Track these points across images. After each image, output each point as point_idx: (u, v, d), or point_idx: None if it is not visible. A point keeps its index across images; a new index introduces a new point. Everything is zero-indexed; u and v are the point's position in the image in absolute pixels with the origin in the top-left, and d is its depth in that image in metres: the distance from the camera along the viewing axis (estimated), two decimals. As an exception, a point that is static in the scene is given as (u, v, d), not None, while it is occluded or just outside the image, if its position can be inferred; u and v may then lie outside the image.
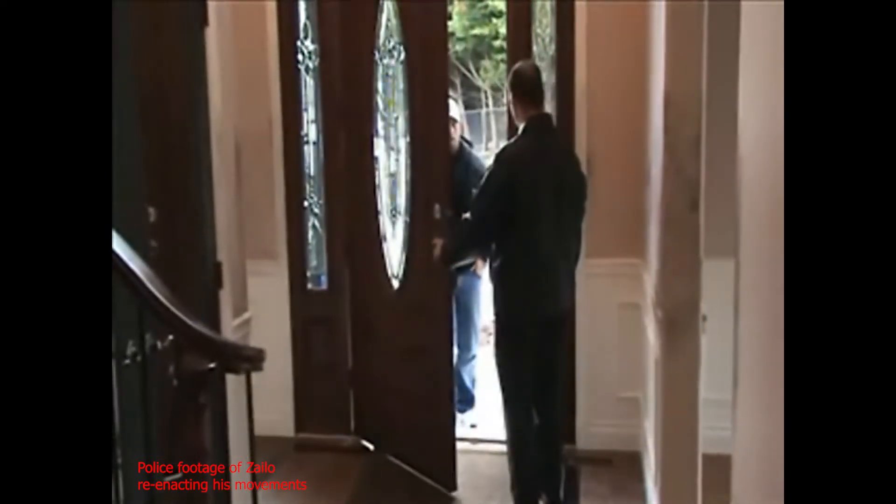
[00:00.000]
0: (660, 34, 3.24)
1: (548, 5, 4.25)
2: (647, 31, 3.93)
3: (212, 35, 2.95)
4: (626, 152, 4.08)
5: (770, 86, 1.36)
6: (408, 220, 4.16)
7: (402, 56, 4.09)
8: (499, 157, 3.52)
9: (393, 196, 4.30)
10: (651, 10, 3.78)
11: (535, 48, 4.26)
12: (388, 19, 4.17)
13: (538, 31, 4.26)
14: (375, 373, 4.43)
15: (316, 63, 4.47)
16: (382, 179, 4.32)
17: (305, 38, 4.46)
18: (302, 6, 4.45)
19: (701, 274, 2.85)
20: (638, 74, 4.02)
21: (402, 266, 4.22)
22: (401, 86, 4.15)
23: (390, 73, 4.21)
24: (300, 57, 4.45)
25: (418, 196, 4.06)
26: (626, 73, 4.09)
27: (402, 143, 4.18)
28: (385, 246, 4.30)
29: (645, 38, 3.97)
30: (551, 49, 4.25)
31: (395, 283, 4.26)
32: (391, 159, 4.27)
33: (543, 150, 3.52)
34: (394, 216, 4.31)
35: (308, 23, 4.46)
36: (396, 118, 4.23)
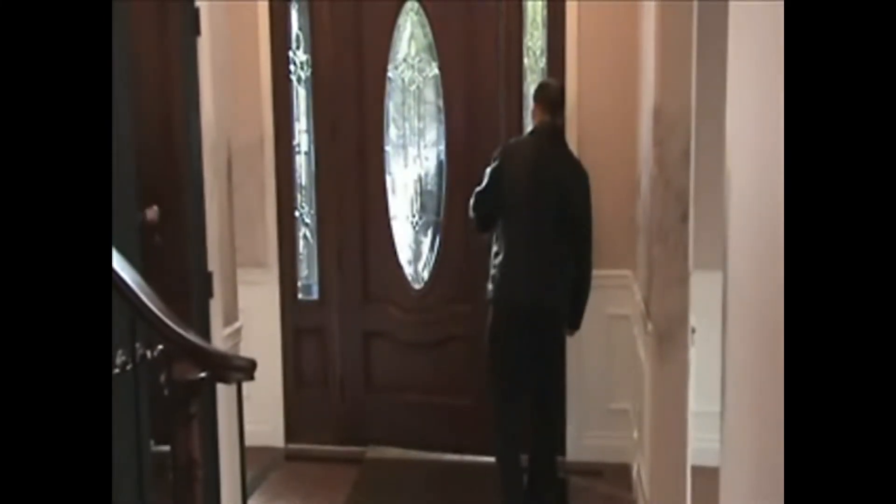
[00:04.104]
0: (650, 48, 3.26)
1: (538, 18, 4.28)
2: (637, 43, 3.96)
3: (204, 45, 2.96)
4: (617, 164, 4.10)
5: (758, 98, 1.38)
6: (439, 222, 4.45)
7: (434, 70, 4.36)
8: (501, 147, 3.80)
9: (412, 202, 4.51)
10: (642, 21, 3.81)
11: (525, 61, 4.28)
12: (412, 36, 4.39)
13: (529, 43, 4.29)
14: (391, 372, 4.55)
15: (308, 73, 4.49)
16: (397, 187, 4.51)
17: (297, 48, 4.48)
18: (294, 17, 4.47)
19: (690, 286, 2.86)
20: (628, 87, 4.04)
21: (430, 266, 4.48)
22: (430, 98, 4.41)
23: (414, 85, 4.43)
24: (292, 67, 4.46)
25: (455, 201, 4.26)
26: (616, 86, 4.11)
27: (432, 153, 4.46)
28: (399, 250, 4.49)
29: (635, 51, 3.99)
30: (542, 62, 4.27)
31: (419, 285, 4.49)
32: (412, 168, 4.50)
33: (541, 151, 3.66)
34: (417, 222, 4.50)
35: (300, 33, 4.48)
36: (422, 129, 4.44)
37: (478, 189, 3.70)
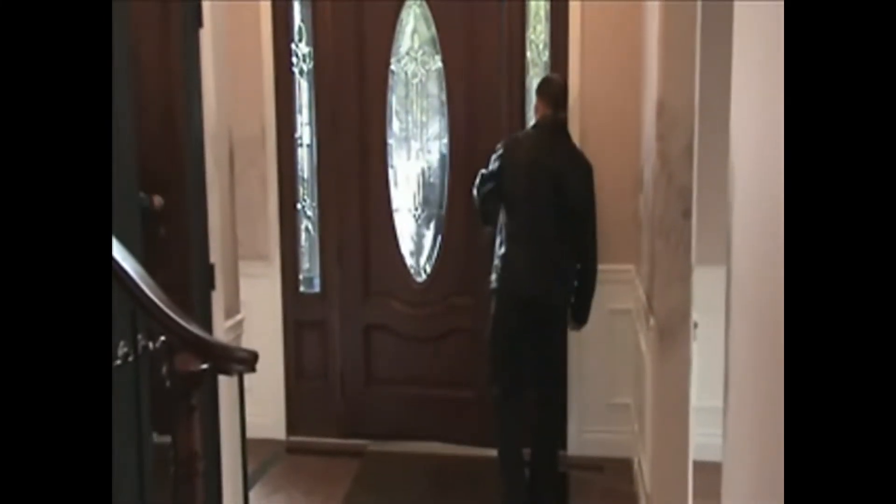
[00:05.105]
0: (653, 42, 3.25)
1: (542, 12, 4.27)
2: (641, 37, 3.95)
3: (206, 37, 2.95)
4: (620, 159, 4.10)
5: (762, 93, 1.37)
6: (442, 215, 4.45)
7: (437, 63, 4.37)
8: (504, 140, 3.85)
9: (414, 195, 4.53)
10: (645, 16, 3.79)
11: (528, 54, 4.28)
12: (415, 29, 4.40)
13: (532, 36, 4.28)
14: (393, 365, 4.56)
15: (310, 66, 4.48)
16: (400, 180, 4.52)
17: (300, 40, 4.47)
18: (297, 9, 4.46)
19: (692, 281, 2.86)
20: (631, 81, 4.04)
21: (432, 259, 4.50)
22: (432, 91, 4.42)
23: (417, 79, 4.44)
24: (294, 59, 4.46)
25: (457, 194, 4.32)
26: (619, 80, 4.11)
27: (435, 146, 4.47)
28: (401, 243, 4.51)
29: (639, 45, 3.98)
30: (545, 55, 4.27)
31: (420, 278, 4.51)
32: (415, 161, 4.51)
33: (542, 144, 3.68)
34: (420, 215, 4.53)
35: (302, 25, 4.47)
36: (425, 122, 4.45)
37: (483, 171, 3.75)
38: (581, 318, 3.77)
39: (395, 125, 4.48)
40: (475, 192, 3.80)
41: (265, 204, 4.48)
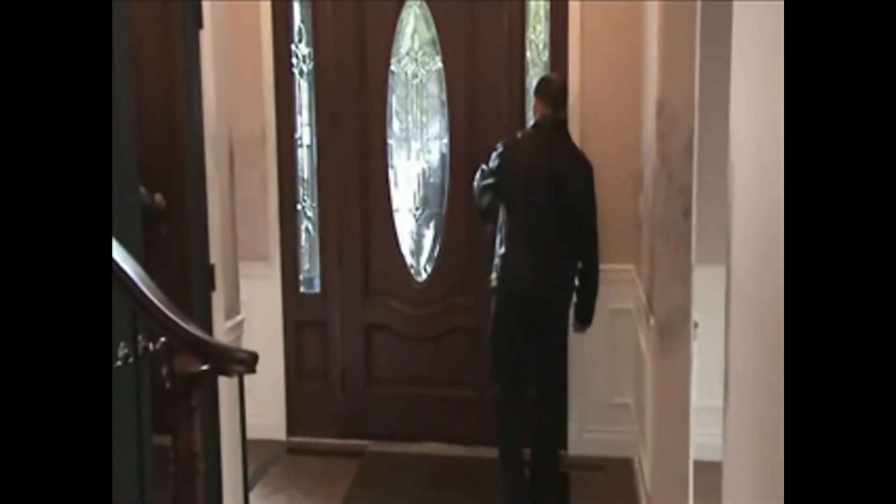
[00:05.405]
0: (653, 42, 3.25)
1: (542, 12, 4.27)
2: (641, 37, 3.95)
3: (206, 37, 2.95)
4: (620, 159, 4.10)
5: (762, 92, 1.37)
6: (442, 215, 4.48)
7: (437, 63, 4.38)
8: (504, 140, 3.87)
9: (415, 195, 4.53)
10: (645, 15, 3.79)
11: (528, 54, 4.28)
12: (415, 30, 4.41)
13: (532, 36, 4.28)
14: (393, 365, 4.57)
15: (310, 66, 4.48)
16: (400, 180, 4.52)
17: (300, 41, 4.47)
18: (297, 9, 4.46)
19: (692, 281, 2.86)
20: (631, 80, 4.03)
21: (432, 259, 4.51)
22: (432, 91, 4.43)
23: (417, 79, 4.44)
24: (294, 60, 4.46)
25: (457, 194, 4.34)
26: (619, 80, 4.11)
27: (435, 146, 4.48)
28: (401, 243, 4.51)
29: (639, 45, 3.98)
30: (545, 55, 4.27)
31: (421, 277, 4.52)
32: (415, 161, 4.51)
33: (541, 144, 3.68)
34: (420, 214, 4.53)
35: (302, 26, 4.47)
36: (425, 122, 4.46)
37: (483, 167, 3.76)
38: (584, 319, 3.77)
39: (396, 125, 4.48)
40: (474, 185, 3.81)
41: (265, 204, 4.48)
